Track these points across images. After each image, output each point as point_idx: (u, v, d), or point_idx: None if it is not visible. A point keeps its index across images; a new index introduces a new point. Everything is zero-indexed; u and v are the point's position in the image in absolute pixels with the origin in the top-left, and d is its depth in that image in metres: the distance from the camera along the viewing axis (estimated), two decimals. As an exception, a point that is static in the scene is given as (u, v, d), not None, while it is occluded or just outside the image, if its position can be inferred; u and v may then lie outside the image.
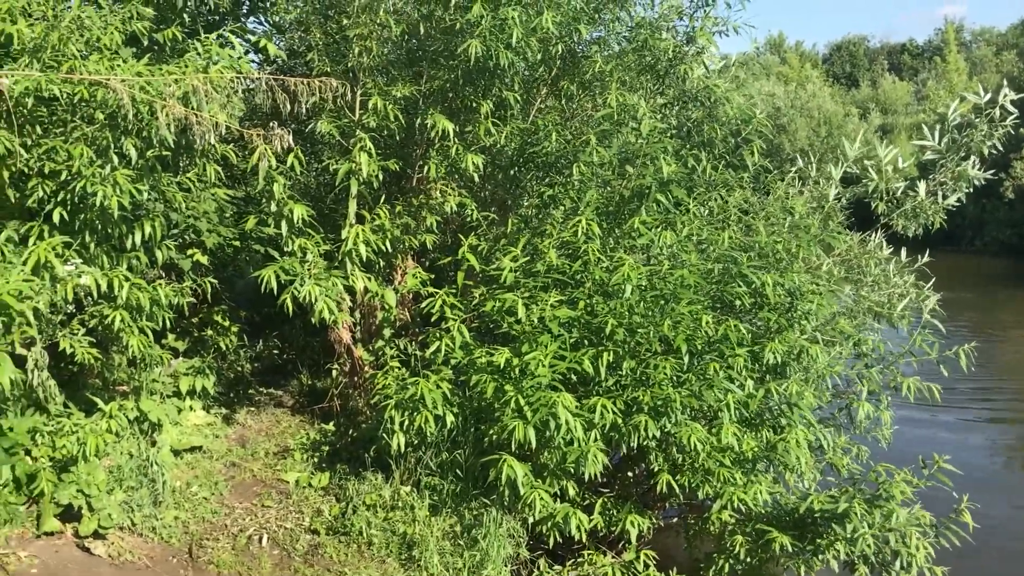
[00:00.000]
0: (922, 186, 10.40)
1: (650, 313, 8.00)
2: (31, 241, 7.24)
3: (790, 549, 8.23)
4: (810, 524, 8.39)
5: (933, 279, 10.11)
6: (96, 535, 7.48)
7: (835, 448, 9.09)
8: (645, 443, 7.76)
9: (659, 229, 8.76)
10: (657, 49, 10.15)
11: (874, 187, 10.37)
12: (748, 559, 8.43)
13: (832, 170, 10.27)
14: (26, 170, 7.50)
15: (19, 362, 7.01)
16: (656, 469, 8.21)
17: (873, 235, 10.51)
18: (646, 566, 8.41)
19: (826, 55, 75.24)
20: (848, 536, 8.03)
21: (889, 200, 10.52)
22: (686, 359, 7.81)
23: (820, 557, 8.37)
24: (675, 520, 9.50)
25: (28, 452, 7.71)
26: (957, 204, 10.42)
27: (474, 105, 9.45)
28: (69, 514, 7.54)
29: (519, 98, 9.38)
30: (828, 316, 9.03)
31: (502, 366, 7.75)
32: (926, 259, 10.19)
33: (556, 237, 8.66)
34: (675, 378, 7.84)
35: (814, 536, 8.34)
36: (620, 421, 7.62)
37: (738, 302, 8.53)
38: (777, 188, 10.64)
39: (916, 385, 9.09)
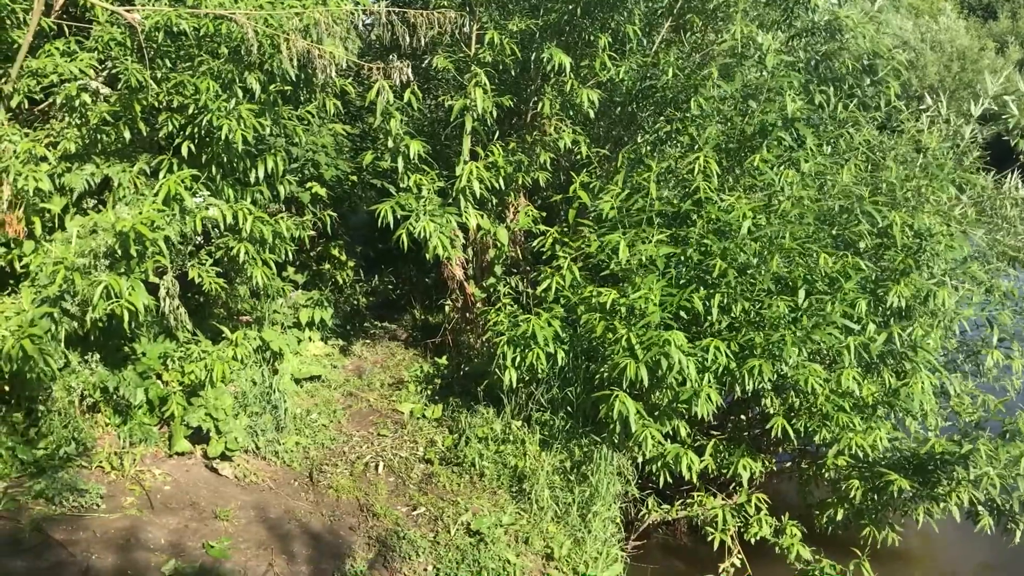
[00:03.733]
0: None
1: (763, 251, 7.75)
2: (161, 174, 7.53)
3: (909, 493, 7.98)
4: (931, 468, 8.09)
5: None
6: (223, 457, 7.86)
7: (961, 395, 8.70)
8: (760, 386, 7.60)
9: (781, 167, 8.45)
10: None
11: (1014, 123, 9.71)
12: (863, 503, 8.22)
13: (971, 106, 9.63)
14: (156, 104, 7.76)
15: (151, 290, 7.34)
16: (771, 412, 8.05)
17: (1010, 175, 9.88)
18: (757, 509, 8.32)
19: (961, -15, 70.49)
20: (971, 479, 7.71)
21: None
22: (802, 295, 7.55)
23: (941, 504, 8.10)
24: (788, 465, 9.32)
25: (159, 376, 8.12)
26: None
27: (592, 39, 9.23)
28: (198, 436, 7.93)
29: (639, 31, 9.10)
30: (959, 259, 8.57)
31: (609, 305, 7.68)
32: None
33: (657, 170, 8.43)
34: (790, 318, 7.62)
35: (935, 481, 8.06)
36: (734, 365, 7.47)
37: (861, 242, 8.16)
38: (909, 127, 10.09)
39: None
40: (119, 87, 7.65)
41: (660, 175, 8.54)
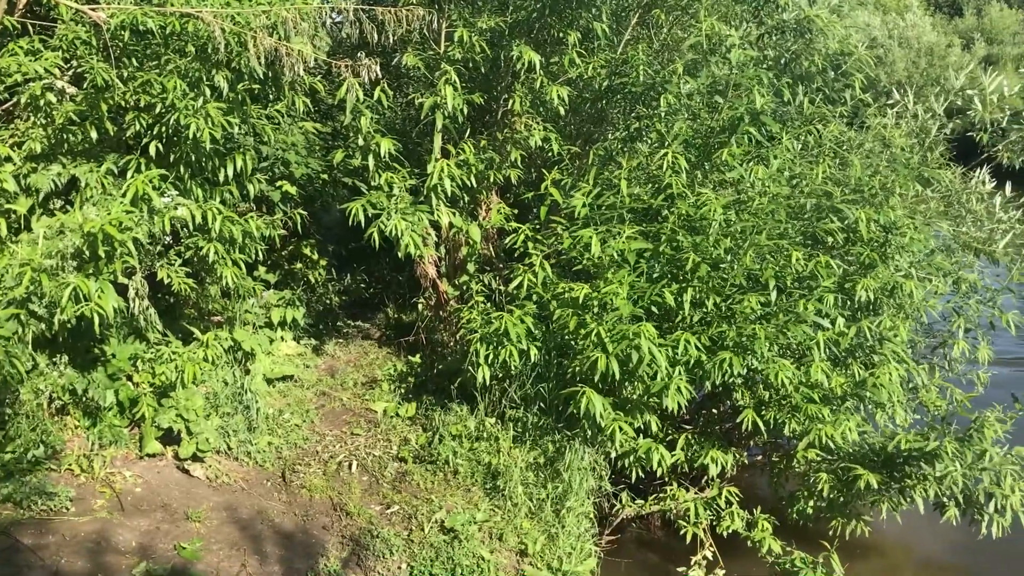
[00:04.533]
0: None
1: (735, 247, 7.82)
2: (129, 174, 7.47)
3: (876, 487, 8.08)
4: (898, 463, 8.21)
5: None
6: (195, 458, 7.81)
7: (929, 387, 8.82)
8: (730, 380, 7.67)
9: (750, 163, 8.52)
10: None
11: (978, 118, 9.84)
12: (832, 496, 8.32)
13: (934, 103, 9.75)
14: (123, 103, 7.69)
15: (120, 291, 7.28)
16: (741, 406, 8.13)
17: (977, 170, 10.01)
18: (728, 503, 8.40)
19: (928, -18, 71.28)
20: (937, 475, 7.83)
21: (993, 131, 9.98)
22: (773, 294, 7.64)
23: (907, 497, 8.21)
24: (759, 458, 9.42)
25: (130, 378, 8.05)
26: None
27: (560, 36, 9.27)
28: (169, 437, 7.88)
29: (607, 28, 9.14)
30: (925, 252, 8.70)
31: (581, 301, 7.72)
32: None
33: (629, 168, 8.49)
34: (761, 313, 7.70)
35: (902, 475, 8.18)
36: (704, 358, 7.54)
37: (830, 238, 8.27)
38: (875, 122, 10.20)
39: (1017, 321, 8.69)
40: (85, 86, 7.58)
41: (631, 171, 8.59)
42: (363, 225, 8.24)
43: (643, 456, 7.92)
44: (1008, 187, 9.81)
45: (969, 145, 10.48)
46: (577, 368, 7.63)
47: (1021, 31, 48.65)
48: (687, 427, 8.86)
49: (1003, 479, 7.89)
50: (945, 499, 8.18)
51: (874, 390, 7.83)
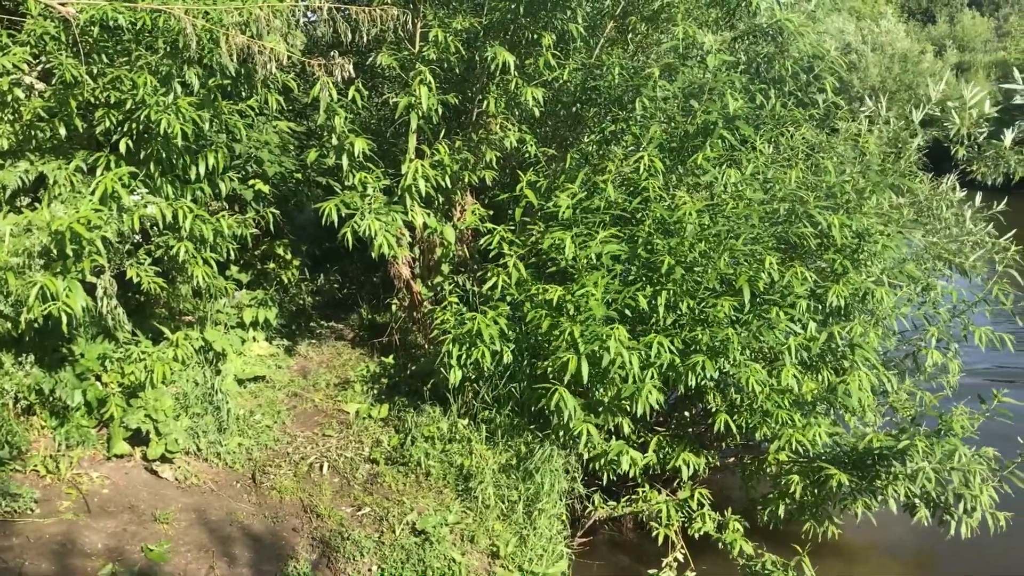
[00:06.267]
0: (1009, 134, 9.82)
1: (710, 251, 7.86)
2: (98, 171, 7.38)
3: (848, 487, 8.14)
4: (869, 463, 8.26)
5: (1014, 230, 9.67)
6: (163, 459, 7.74)
7: (899, 392, 8.89)
8: (703, 383, 7.69)
9: (724, 166, 8.56)
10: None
11: (955, 131, 9.87)
12: (804, 498, 8.37)
13: (913, 113, 9.79)
14: (93, 100, 7.60)
15: (89, 290, 7.20)
16: (713, 409, 8.15)
17: (947, 177, 10.07)
18: (700, 505, 8.42)
19: (902, -11, 72.03)
20: (908, 473, 7.89)
21: (970, 146, 10.03)
22: (747, 299, 7.67)
23: (879, 497, 8.27)
24: (731, 460, 9.45)
25: (98, 378, 7.96)
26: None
27: (536, 37, 9.27)
28: (138, 438, 7.80)
29: (582, 31, 9.15)
30: (897, 259, 8.77)
31: (556, 302, 7.72)
32: (1003, 206, 9.66)
33: (615, 172, 8.52)
34: (735, 318, 7.73)
35: (873, 475, 8.23)
36: (677, 360, 7.56)
37: (803, 243, 8.32)
38: (848, 127, 10.27)
39: (988, 335, 8.76)
40: (54, 82, 7.48)
41: (611, 175, 8.61)
42: (336, 225, 8.19)
43: (614, 458, 7.93)
44: (979, 198, 9.85)
45: (942, 151, 10.55)
46: (549, 368, 7.62)
47: (992, 39, 49.34)
48: (660, 429, 8.88)
49: (972, 479, 7.96)
50: (916, 500, 8.25)
51: (844, 396, 7.89)
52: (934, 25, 52.34)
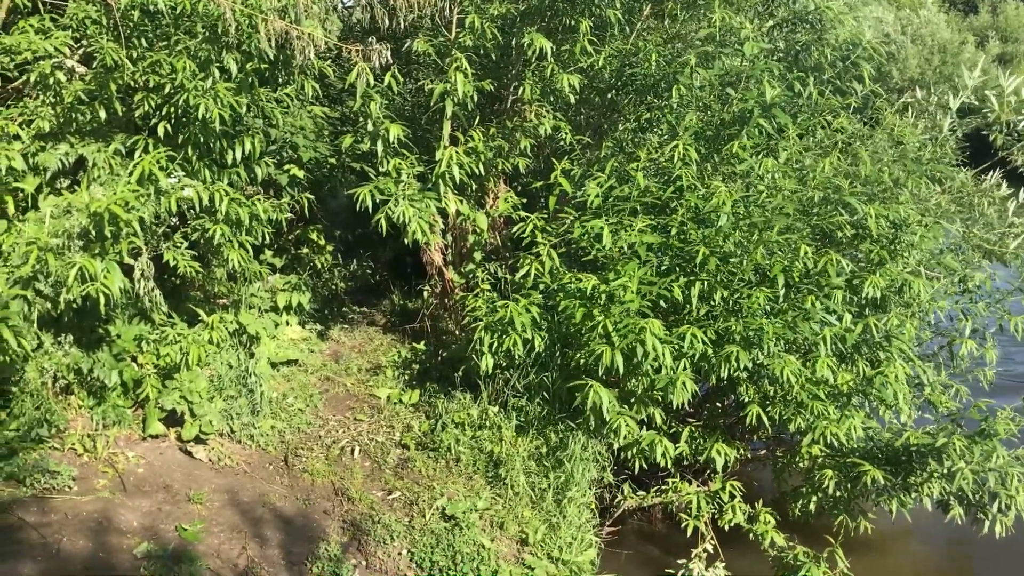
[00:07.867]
0: None
1: (744, 241, 7.78)
2: (137, 154, 7.45)
3: (882, 484, 8.06)
4: (904, 460, 8.18)
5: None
6: (197, 440, 7.82)
7: (934, 385, 8.77)
8: (736, 374, 7.63)
9: (760, 155, 8.47)
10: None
11: (994, 118, 9.72)
12: (837, 493, 8.29)
13: (950, 99, 9.63)
14: (132, 84, 7.67)
15: (126, 272, 7.28)
16: (746, 400, 8.09)
17: (991, 173, 9.89)
18: (731, 496, 8.37)
19: (943, -22, 70.72)
20: (945, 472, 7.79)
21: (1009, 133, 9.86)
22: (782, 290, 7.59)
23: (913, 494, 8.18)
24: (763, 453, 9.39)
25: (134, 359, 8.05)
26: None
27: (572, 23, 9.20)
28: (172, 419, 7.88)
29: (620, 17, 9.07)
30: (934, 250, 8.63)
31: (589, 292, 7.69)
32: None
33: (645, 159, 8.45)
34: (769, 308, 7.66)
35: (908, 472, 8.14)
36: (710, 351, 7.50)
37: (839, 233, 8.22)
38: (886, 117, 10.12)
39: (1024, 324, 8.63)
40: (94, 66, 7.55)
41: (642, 164, 8.55)
42: (370, 211, 8.21)
43: (646, 448, 7.90)
44: (1023, 193, 9.68)
45: (982, 144, 10.37)
46: (582, 360, 7.60)
47: (1037, 29, 48.26)
48: (691, 420, 8.84)
49: (1008, 480, 7.85)
50: (950, 498, 8.15)
51: (880, 388, 7.79)
52: (976, 15, 51.31)
